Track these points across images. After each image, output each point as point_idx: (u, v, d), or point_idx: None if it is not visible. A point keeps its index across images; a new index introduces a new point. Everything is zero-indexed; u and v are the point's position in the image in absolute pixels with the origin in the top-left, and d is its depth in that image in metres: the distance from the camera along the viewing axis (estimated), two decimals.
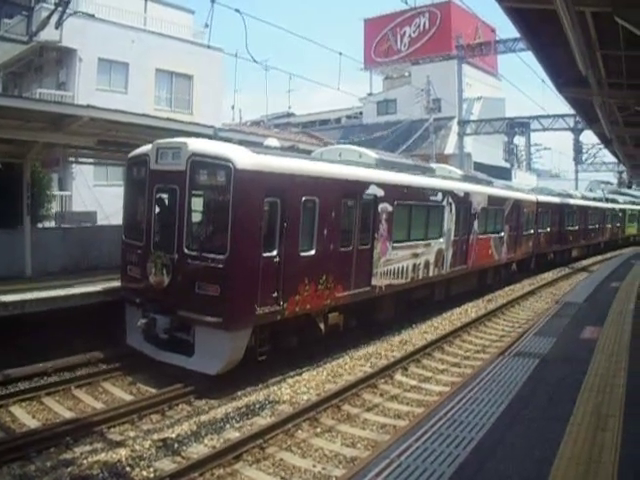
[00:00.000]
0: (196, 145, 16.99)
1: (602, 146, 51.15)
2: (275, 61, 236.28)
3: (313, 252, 18.64)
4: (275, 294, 17.14)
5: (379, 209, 22.00)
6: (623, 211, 73.11)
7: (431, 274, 26.63)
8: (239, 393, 16.46)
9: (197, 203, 17.33)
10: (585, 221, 56.27)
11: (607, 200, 69.45)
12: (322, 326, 19.72)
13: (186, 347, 16.66)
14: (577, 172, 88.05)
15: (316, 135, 61.54)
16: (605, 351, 15.81)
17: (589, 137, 75.46)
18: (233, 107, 74.84)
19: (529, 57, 62.13)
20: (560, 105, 45.91)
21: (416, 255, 25.09)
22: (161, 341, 17.14)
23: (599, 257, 57.30)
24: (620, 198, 77.91)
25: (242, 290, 16.41)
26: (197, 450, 12.36)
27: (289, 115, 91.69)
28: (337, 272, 19.77)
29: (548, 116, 64.51)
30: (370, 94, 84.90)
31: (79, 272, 21.92)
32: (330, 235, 19.29)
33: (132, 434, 13.31)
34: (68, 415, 14.36)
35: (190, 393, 15.94)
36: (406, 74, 79.54)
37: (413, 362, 19.69)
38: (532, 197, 42.50)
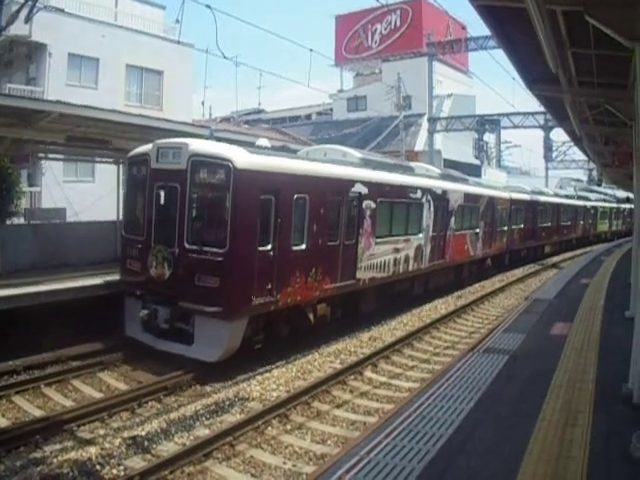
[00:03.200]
0: (196, 145, 18.03)
1: (572, 144, 51.66)
2: (245, 57, 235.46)
3: (304, 246, 19.89)
4: (269, 286, 18.29)
5: (363, 206, 23.21)
6: (595, 208, 74.53)
7: (411, 268, 27.88)
8: (208, 389, 16.49)
9: (197, 200, 18.35)
10: (557, 218, 57.93)
11: (579, 198, 70.61)
12: (311, 317, 20.89)
13: (186, 336, 17.73)
14: (547, 169, 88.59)
15: (286, 131, 61.48)
16: (575, 347, 15.87)
17: (559, 135, 75.94)
18: (203, 103, 74.77)
19: (500, 55, 62.48)
20: (530, 103, 46.07)
21: (397, 250, 26.35)
22: (161, 331, 18.17)
23: (569, 254, 57.63)
24: (592, 196, 79.06)
25: (240, 282, 17.47)
26: (167, 448, 12.37)
27: (259, 111, 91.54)
28: (325, 265, 21.03)
29: (518, 113, 64.67)
30: (340, 91, 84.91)
31: (49, 269, 21.79)
32: (319, 230, 20.56)
33: (102, 432, 13.23)
34: (38, 414, 14.24)
35: (160, 390, 15.90)
36: (377, 71, 79.57)
37: (383, 359, 19.78)
38: (506, 194, 43.90)
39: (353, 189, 22.57)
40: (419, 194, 28.48)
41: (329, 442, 13.34)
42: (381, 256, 24.94)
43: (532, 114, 62.71)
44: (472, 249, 36.58)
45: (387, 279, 25.90)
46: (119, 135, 22.90)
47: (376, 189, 23.98)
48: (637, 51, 10.97)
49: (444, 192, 31.58)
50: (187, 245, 17.64)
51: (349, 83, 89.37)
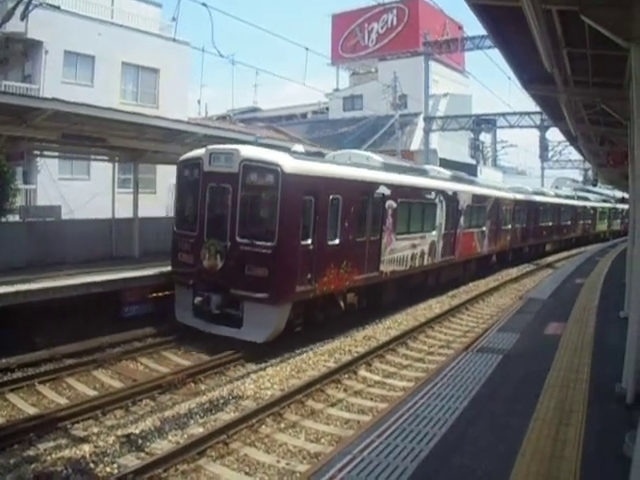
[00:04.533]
0: (247, 151, 20.40)
1: (568, 143, 51.95)
2: (242, 56, 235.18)
3: (337, 241, 22.11)
4: (309, 276, 20.62)
5: (386, 206, 25.50)
6: (594, 209, 75.52)
7: (425, 263, 30.30)
8: (203, 388, 16.50)
9: (247, 199, 20.32)
10: (558, 218, 59.78)
11: (579, 198, 71.52)
12: (342, 304, 23.36)
13: (235, 320, 19.93)
14: (543, 169, 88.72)
15: (282, 130, 61.50)
16: (569, 347, 15.91)
17: (555, 134, 76.15)
18: (199, 101, 74.84)
19: (496, 54, 62.37)
20: (526, 102, 46.11)
21: (414, 246, 28.73)
22: (212, 316, 20.26)
23: (564, 254, 57.67)
24: (591, 196, 79.78)
25: (286, 272, 19.83)
26: (161, 446, 12.34)
27: (255, 110, 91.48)
28: (354, 259, 23.23)
29: (514, 113, 64.78)
30: (336, 90, 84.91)
31: (44, 267, 21.76)
32: (350, 227, 22.76)
33: (96, 430, 13.21)
34: (32, 411, 14.21)
35: (155, 388, 15.87)
36: (373, 70, 79.56)
37: (377, 357, 19.77)
38: (510, 195, 45.79)
39: (378, 190, 24.81)
40: (433, 195, 30.81)
41: (323, 441, 13.32)
42: (400, 251, 27.19)
43: (528, 114, 62.89)
44: (479, 246, 38.87)
45: (405, 272, 28.14)
46: (114, 133, 22.87)
47: (397, 190, 26.22)
48: (632, 51, 10.98)
49: (454, 193, 33.69)
50: (238, 239, 19.85)
51: (345, 82, 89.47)
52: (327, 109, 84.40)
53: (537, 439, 9.46)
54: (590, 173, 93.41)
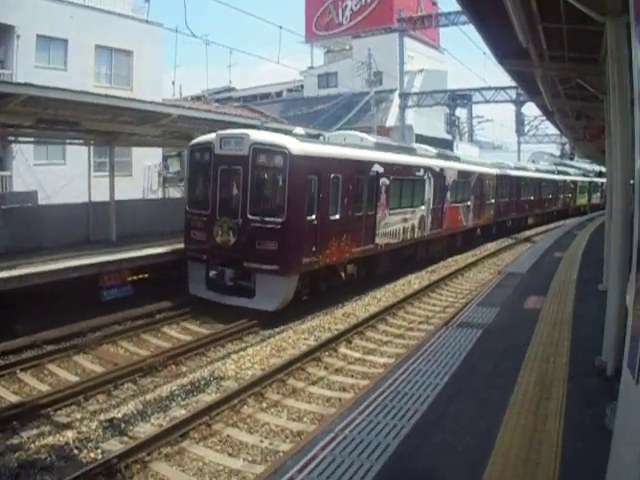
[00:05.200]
0: (256, 135, 22.01)
1: (544, 118, 52.20)
2: (215, 36, 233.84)
3: (338, 216, 23.77)
4: (314, 248, 22.32)
5: (380, 183, 27.22)
6: (574, 183, 76.96)
7: (416, 236, 32.24)
8: (184, 369, 16.49)
9: (257, 179, 21.84)
10: (539, 192, 61.48)
11: (559, 172, 72.91)
12: (343, 275, 25.28)
13: (247, 291, 21.63)
14: (519, 144, 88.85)
15: (257, 109, 61.30)
16: (548, 321, 16.01)
17: (531, 109, 76.34)
18: (173, 82, 74.10)
19: (471, 30, 62.28)
20: (502, 77, 46.22)
21: (405, 220, 30.49)
22: (226, 288, 21.90)
23: (542, 228, 57.84)
24: (571, 170, 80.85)
25: (294, 245, 21.49)
26: (144, 429, 12.36)
27: (230, 90, 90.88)
28: (353, 232, 24.96)
29: (490, 88, 64.83)
30: (311, 67, 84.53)
31: (23, 253, 21.59)
32: (349, 203, 24.49)
33: (79, 416, 13.16)
34: (14, 399, 14.14)
35: (136, 371, 15.80)
36: (347, 47, 79.23)
37: (357, 334, 19.82)
38: (493, 170, 47.67)
39: (372, 169, 26.63)
40: (422, 172, 32.70)
41: (305, 419, 13.38)
42: (393, 225, 29.02)
43: (504, 89, 62.99)
44: (464, 220, 40.70)
45: (398, 244, 29.96)
46: (89, 116, 22.70)
47: (389, 168, 27.98)
48: (607, 25, 10.98)
49: (441, 170, 35.56)
50: (250, 216, 21.36)
51: (320, 60, 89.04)
52: (302, 87, 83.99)
53: (518, 413, 9.51)
54: (567, 147, 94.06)
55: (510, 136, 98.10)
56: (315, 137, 28.33)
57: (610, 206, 16.39)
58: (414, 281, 29.15)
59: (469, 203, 41.18)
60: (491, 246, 44.26)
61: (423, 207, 33.00)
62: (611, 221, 13.14)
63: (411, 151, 34.04)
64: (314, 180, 22.27)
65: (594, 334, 12.86)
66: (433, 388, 10.83)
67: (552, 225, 59.99)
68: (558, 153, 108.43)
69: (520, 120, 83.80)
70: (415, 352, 13.71)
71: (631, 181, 10.12)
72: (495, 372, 11.88)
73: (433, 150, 38.36)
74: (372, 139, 30.60)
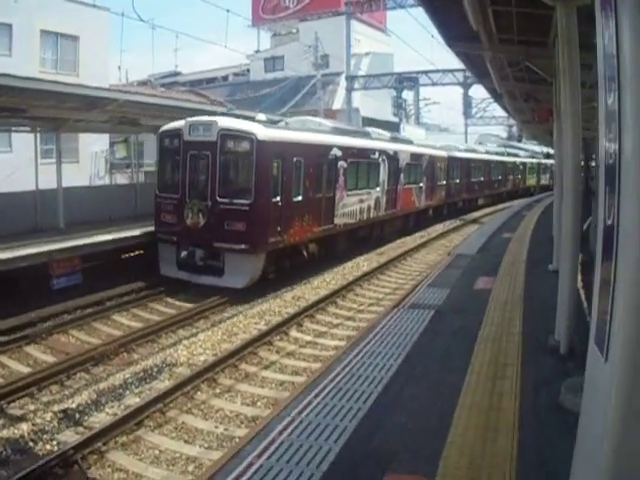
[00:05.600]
0: (224, 122, 23.10)
1: (492, 100, 52.73)
2: (162, 20, 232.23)
3: (300, 198, 25.02)
4: (279, 228, 23.43)
5: (338, 166, 28.60)
6: (523, 164, 78.50)
7: (372, 216, 33.63)
8: (135, 357, 16.36)
9: (226, 164, 23.01)
10: (489, 173, 63.34)
11: (509, 154, 74.47)
12: (305, 253, 26.63)
13: (217, 270, 22.74)
14: (467, 126, 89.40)
15: (203, 93, 61.03)
16: (500, 301, 16.14)
17: (479, 92, 76.91)
18: (119, 67, 73.20)
19: (418, 12, 62.50)
20: (450, 60, 46.53)
21: (362, 201, 31.91)
22: (196, 268, 23.00)
23: (490, 209, 58.31)
24: (521, 152, 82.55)
25: (261, 225, 22.69)
26: (99, 419, 12.28)
27: (176, 74, 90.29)
28: (314, 213, 26.33)
29: (437, 71, 65.10)
30: (257, 51, 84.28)
31: None
32: (310, 185, 25.74)
33: (32, 407, 12.98)
34: None
35: (88, 360, 15.64)
36: (294, 31, 79.09)
37: (307, 318, 19.94)
38: (444, 153, 49.42)
39: (331, 152, 27.90)
40: (377, 155, 34.11)
41: (259, 404, 13.42)
42: (351, 206, 30.40)
43: (451, 71, 63.32)
44: (417, 201, 42.30)
45: (355, 224, 31.41)
46: (35, 103, 22.41)
47: (347, 152, 29.28)
48: (558, 9, 11.07)
49: (395, 153, 36.97)
50: (219, 199, 22.47)
51: (267, 44, 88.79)
52: (248, 71, 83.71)
53: (474, 393, 9.57)
54: (514, 129, 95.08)
55: (457, 118, 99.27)
56: (275, 123, 28.58)
57: (559, 187, 16.55)
58: (363, 263, 29.34)
59: (421, 185, 42.67)
60: (440, 227, 44.62)
61: (378, 189, 34.38)
62: (562, 202, 13.27)
63: (366, 135, 35.32)
64: (278, 164, 23.41)
65: (546, 314, 13.01)
66: (387, 370, 10.82)
67: (500, 206, 60.40)
68: (505, 135, 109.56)
69: (467, 102, 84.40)
70: (367, 334, 13.72)
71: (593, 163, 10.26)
72: (449, 353, 11.93)
73: (387, 134, 40.13)
74: (330, 124, 32.23)
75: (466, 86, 72.36)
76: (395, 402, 9.42)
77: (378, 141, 36.08)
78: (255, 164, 22.29)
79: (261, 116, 27.22)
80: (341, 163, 28.84)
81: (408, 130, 72.63)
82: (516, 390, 9.64)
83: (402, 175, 38.41)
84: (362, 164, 32.26)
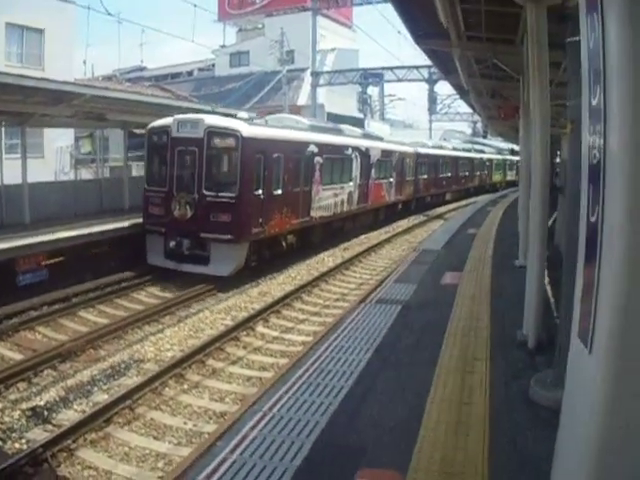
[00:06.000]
0: (210, 120, 24.36)
1: (457, 97, 53.37)
2: (128, 14, 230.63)
3: (280, 192, 26.49)
4: (260, 220, 24.82)
5: (314, 161, 30.20)
6: (490, 160, 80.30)
7: (345, 209, 35.18)
8: (103, 353, 16.22)
9: (212, 159, 24.28)
10: (456, 169, 64.80)
11: (476, 151, 75.73)
12: (284, 244, 28.08)
13: (203, 259, 23.92)
14: (431, 122, 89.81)
15: (168, 88, 60.87)
16: (467, 296, 16.24)
17: (444, 88, 77.18)
18: (85, 61, 72.74)
19: (386, 9, 62.63)
20: (416, 56, 46.75)
21: (336, 195, 33.39)
22: (183, 257, 24.09)
23: (453, 205, 58.67)
24: (487, 149, 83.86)
25: (245, 217, 24.01)
26: (67, 416, 12.20)
27: (141, 69, 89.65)
28: (292, 206, 27.72)
29: (402, 67, 65.40)
30: (223, 46, 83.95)
31: None
32: (288, 180, 27.24)
33: (0, 405, 12.83)
34: None
35: (55, 357, 15.46)
36: (260, 26, 78.88)
37: (273, 313, 19.94)
38: (413, 149, 50.83)
39: (308, 149, 29.43)
40: (350, 151, 35.47)
41: (227, 400, 13.46)
42: (326, 200, 31.93)
43: (417, 67, 63.65)
44: (387, 195, 44.02)
45: (330, 217, 32.93)
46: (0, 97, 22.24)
47: (322, 148, 30.76)
48: (528, 8, 11.18)
49: (367, 149, 38.46)
50: (205, 192, 23.70)
51: (232, 39, 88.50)
52: (214, 66, 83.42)
53: (444, 387, 9.63)
54: (479, 126, 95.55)
55: (422, 114, 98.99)
56: (250, 119, 29.54)
57: (525, 183, 16.69)
58: (328, 259, 29.47)
59: (391, 180, 44.31)
60: (404, 223, 44.78)
61: (351, 183, 35.80)
62: (528, 199, 13.39)
63: (340, 132, 36.77)
64: (261, 159, 24.67)
65: (513, 308, 13.17)
66: (357, 364, 10.87)
67: (464, 202, 60.79)
68: (470, 131, 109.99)
69: (432, 98, 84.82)
70: (335, 329, 13.72)
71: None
72: (418, 347, 11.98)
73: (359, 131, 41.94)
74: (307, 121, 33.96)
75: (431, 82, 72.78)
76: (366, 396, 9.46)
77: (351, 138, 37.32)
78: (240, 159, 23.72)
79: (242, 114, 28.26)
80: (317, 159, 30.41)
81: (373, 126, 72.74)
82: (486, 384, 9.72)
83: (373, 170, 39.90)
84: (336, 160, 33.63)
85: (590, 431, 4.05)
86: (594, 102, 4.21)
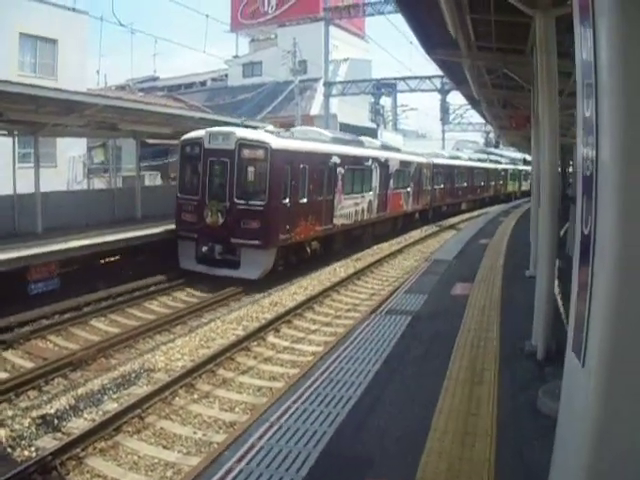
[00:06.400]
0: (241, 133, 25.96)
1: (469, 107, 53.55)
2: (141, 24, 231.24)
3: (305, 200, 27.85)
4: (287, 227, 26.31)
5: (337, 172, 31.43)
6: (505, 170, 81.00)
7: (365, 218, 36.39)
8: (113, 362, 16.22)
9: (243, 169, 25.52)
10: (472, 179, 65.92)
11: (491, 161, 76.79)
12: (308, 250, 29.22)
13: (233, 264, 25.27)
14: (444, 132, 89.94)
15: (181, 98, 61.00)
16: (477, 306, 16.22)
17: (456, 98, 77.24)
18: (98, 71, 72.97)
19: (397, 19, 62.69)
20: (428, 66, 46.86)
21: (357, 204, 34.67)
22: (214, 261, 25.47)
23: (466, 215, 58.59)
24: (503, 159, 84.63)
25: (273, 224, 25.45)
26: (77, 425, 12.19)
27: (154, 79, 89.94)
28: (316, 214, 29.11)
29: (415, 77, 65.41)
30: (236, 56, 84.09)
31: None
32: (313, 189, 28.61)
33: (10, 413, 12.82)
34: None
35: (66, 366, 15.46)
36: (272, 36, 79.06)
37: (284, 323, 19.90)
38: (430, 160, 52.02)
39: (331, 160, 30.73)
40: (370, 162, 37.05)
41: (237, 409, 13.41)
42: (347, 208, 33.16)
43: (429, 78, 63.60)
44: (405, 204, 45.10)
45: (350, 225, 34.19)
46: (13, 107, 22.28)
47: (344, 159, 32.07)
48: (537, 18, 11.18)
49: (386, 160, 40.04)
50: (236, 200, 25.13)
51: (245, 49, 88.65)
52: (226, 76, 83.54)
53: (452, 398, 9.62)
54: (491, 135, 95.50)
55: (434, 124, 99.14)
56: (277, 132, 30.68)
57: (537, 193, 16.65)
58: (340, 269, 29.36)
59: (409, 189, 45.58)
60: (416, 234, 44.64)
61: (371, 193, 37.10)
62: (539, 208, 13.36)
63: (360, 144, 38.07)
64: (288, 170, 26.05)
65: (523, 319, 13.09)
66: (366, 375, 10.84)
67: (476, 213, 60.69)
68: (482, 141, 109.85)
69: (445, 109, 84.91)
70: (345, 339, 13.76)
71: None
72: (426, 358, 11.96)
73: (378, 142, 44.20)
74: (329, 134, 35.15)
75: (444, 92, 72.85)
76: (374, 407, 9.44)
77: (371, 149, 38.86)
78: (269, 170, 25.08)
79: (270, 127, 30.79)
80: (339, 169, 31.66)
81: (386, 136, 72.70)
82: (494, 395, 9.70)
83: (392, 181, 41.17)
84: (357, 170, 35.08)
85: (582, 450, 4.04)
86: (587, 114, 4.21)
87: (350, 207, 33.79)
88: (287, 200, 26.20)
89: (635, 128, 3.65)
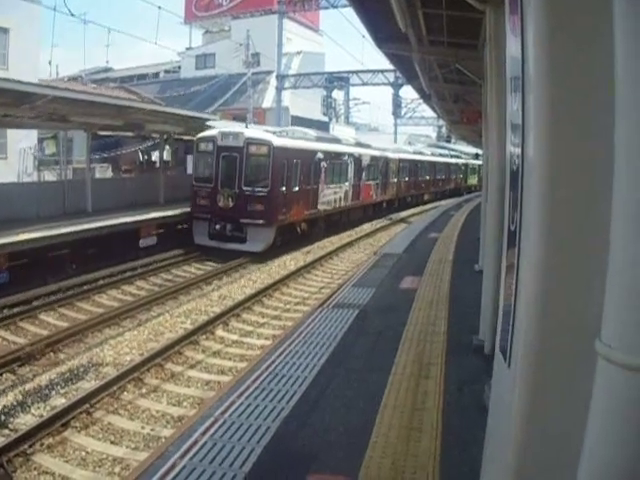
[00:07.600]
0: (249, 132, 31.51)
1: (422, 101, 53.86)
2: (93, 15, 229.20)
3: (297, 189, 33.08)
4: (284, 210, 31.64)
5: (321, 165, 36.78)
6: (466, 165, 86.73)
7: (342, 205, 41.99)
8: (62, 357, 16.05)
9: (250, 162, 30.64)
10: (434, 173, 71.26)
11: (452, 156, 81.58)
12: (299, 230, 34.74)
13: (240, 239, 30.34)
14: (396, 126, 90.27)
15: (134, 90, 60.64)
16: (425, 300, 16.22)
17: (409, 92, 77.45)
18: (50, 62, 72.13)
19: (351, 13, 62.56)
20: (381, 60, 47.15)
21: (336, 192, 40.08)
22: (225, 237, 30.44)
23: (418, 209, 58.95)
24: (464, 155, 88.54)
25: (274, 207, 30.56)
26: (25, 421, 12.05)
27: (107, 70, 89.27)
28: (305, 200, 34.62)
29: (368, 71, 65.70)
30: (189, 48, 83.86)
31: None
32: (303, 180, 33.85)
33: None
34: None
35: (14, 361, 15.25)
36: (226, 28, 78.85)
37: (233, 317, 19.93)
38: (396, 155, 57.48)
39: (316, 156, 36.05)
40: (346, 157, 42.58)
41: (185, 404, 13.39)
42: (328, 196, 38.52)
43: (382, 71, 63.90)
44: (374, 194, 50.62)
45: (331, 211, 39.84)
46: None
47: (326, 155, 37.46)
48: (488, 13, 11.21)
49: (359, 155, 45.52)
50: (244, 187, 30.32)
51: (199, 41, 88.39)
52: (179, 68, 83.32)
53: (397, 392, 9.62)
54: (444, 130, 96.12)
55: (386, 118, 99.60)
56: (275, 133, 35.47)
57: (486, 188, 16.72)
58: (289, 262, 29.69)
59: (378, 181, 50.94)
60: (367, 227, 44.90)
61: (347, 183, 42.42)
62: (487, 203, 13.41)
63: (339, 141, 44.57)
64: (284, 163, 31.26)
65: (471, 313, 13.11)
66: (311, 369, 10.85)
67: (428, 206, 61.20)
68: (434, 135, 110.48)
69: (397, 102, 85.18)
70: (292, 334, 13.66)
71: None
72: (373, 352, 11.99)
73: (352, 140, 50.36)
74: (314, 133, 40.49)
75: (396, 86, 73.19)
76: (318, 402, 9.44)
77: (347, 146, 44.57)
78: (271, 163, 30.30)
79: (269, 128, 37.82)
80: (323, 163, 37.00)
81: (338, 129, 72.98)
82: (440, 390, 9.72)
83: (364, 173, 46.47)
84: (336, 164, 40.29)
85: (509, 446, 4.05)
86: (514, 109, 4.19)
87: (331, 195, 39.00)
88: (284, 188, 31.35)
89: (558, 122, 3.62)
